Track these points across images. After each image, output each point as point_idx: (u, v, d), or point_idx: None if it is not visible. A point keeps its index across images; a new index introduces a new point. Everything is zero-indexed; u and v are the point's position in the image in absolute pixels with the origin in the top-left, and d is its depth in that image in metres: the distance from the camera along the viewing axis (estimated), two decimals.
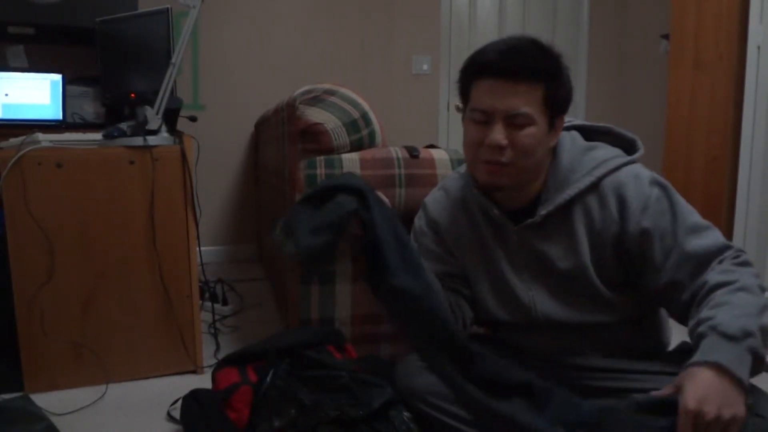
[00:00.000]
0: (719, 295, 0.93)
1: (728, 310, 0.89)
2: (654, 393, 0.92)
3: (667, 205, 1.03)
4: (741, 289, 0.92)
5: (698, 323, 0.92)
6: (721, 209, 2.37)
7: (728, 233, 2.29)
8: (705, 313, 0.92)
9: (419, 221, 1.29)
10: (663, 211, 1.02)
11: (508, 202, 1.12)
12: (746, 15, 2.28)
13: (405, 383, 1.16)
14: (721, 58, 2.39)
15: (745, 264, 0.98)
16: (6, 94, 2.47)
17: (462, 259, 1.21)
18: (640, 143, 1.12)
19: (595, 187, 1.06)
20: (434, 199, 1.27)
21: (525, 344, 1.18)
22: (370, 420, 1.14)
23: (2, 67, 2.65)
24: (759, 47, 2.22)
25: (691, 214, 1.03)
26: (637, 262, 1.06)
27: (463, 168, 1.27)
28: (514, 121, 1.02)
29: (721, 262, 0.98)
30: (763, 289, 0.94)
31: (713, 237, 1.01)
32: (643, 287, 1.07)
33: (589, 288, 1.08)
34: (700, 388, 0.83)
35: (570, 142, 1.11)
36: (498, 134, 1.02)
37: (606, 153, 1.09)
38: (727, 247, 1.00)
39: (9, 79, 2.48)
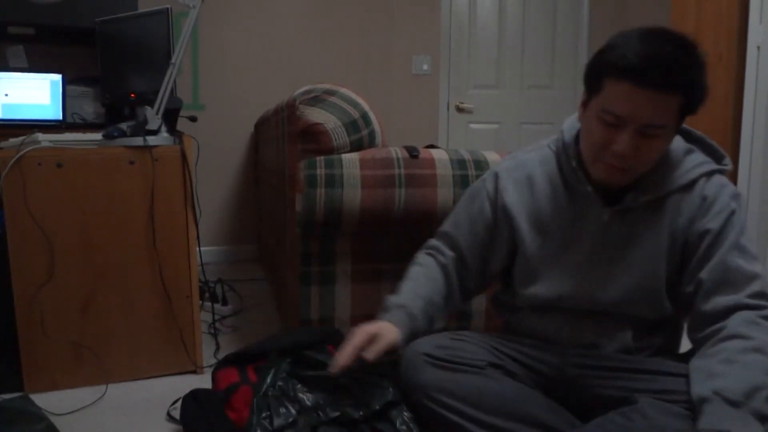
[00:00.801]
0: (733, 350, 0.96)
1: (737, 372, 0.92)
2: None
3: (735, 221, 1.07)
4: (756, 349, 0.95)
5: (704, 373, 0.95)
6: None
7: None
8: (715, 364, 0.95)
9: (499, 181, 1.23)
10: (731, 223, 1.06)
11: (603, 183, 1.13)
12: (746, 15, 2.28)
13: (411, 378, 1.14)
14: (721, 58, 2.39)
15: None
16: (6, 94, 2.47)
17: (522, 222, 1.19)
18: (729, 160, 1.15)
19: (689, 186, 1.10)
20: (529, 159, 1.23)
21: (546, 331, 1.18)
22: (370, 420, 1.14)
23: (2, 67, 2.65)
24: (759, 47, 2.22)
25: (748, 241, 1.07)
26: (684, 260, 1.09)
27: (545, 141, 1.25)
28: (645, 131, 1.00)
29: (753, 297, 1.01)
30: None
31: (756, 267, 1.04)
32: (676, 287, 1.10)
33: (651, 279, 1.10)
34: None
35: (675, 140, 1.13)
36: (627, 145, 1.00)
37: (703, 158, 1.14)
38: (760, 281, 1.03)
39: (9, 79, 2.48)
